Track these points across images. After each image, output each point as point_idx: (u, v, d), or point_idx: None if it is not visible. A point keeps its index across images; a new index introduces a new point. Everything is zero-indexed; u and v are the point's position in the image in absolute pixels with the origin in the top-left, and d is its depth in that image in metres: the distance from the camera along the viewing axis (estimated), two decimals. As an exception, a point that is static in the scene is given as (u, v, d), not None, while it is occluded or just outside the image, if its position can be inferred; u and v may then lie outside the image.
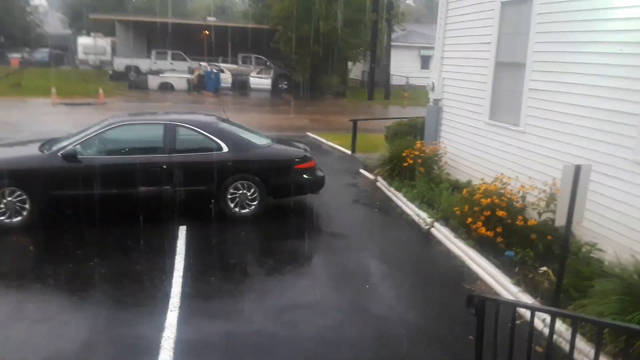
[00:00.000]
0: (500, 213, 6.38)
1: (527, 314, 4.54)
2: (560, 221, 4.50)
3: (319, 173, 8.13)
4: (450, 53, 9.76)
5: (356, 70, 37.00)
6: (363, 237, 7.49)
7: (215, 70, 30.13)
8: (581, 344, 4.17)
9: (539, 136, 7.03)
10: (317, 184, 7.99)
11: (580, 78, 6.27)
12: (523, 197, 6.63)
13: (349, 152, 13.15)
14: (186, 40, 34.41)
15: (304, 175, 7.72)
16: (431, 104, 10.30)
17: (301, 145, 8.46)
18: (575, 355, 4.13)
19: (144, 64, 33.14)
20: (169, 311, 4.88)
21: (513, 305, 2.56)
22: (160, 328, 4.58)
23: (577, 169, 4.36)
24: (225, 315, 4.92)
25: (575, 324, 3.10)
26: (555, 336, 3.83)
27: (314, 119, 20.54)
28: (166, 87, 28.43)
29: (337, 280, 5.87)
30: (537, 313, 4.37)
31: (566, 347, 3.70)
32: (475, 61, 8.75)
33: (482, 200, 6.54)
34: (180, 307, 4.97)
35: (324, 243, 7.13)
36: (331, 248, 6.91)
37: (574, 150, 6.29)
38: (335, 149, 13.92)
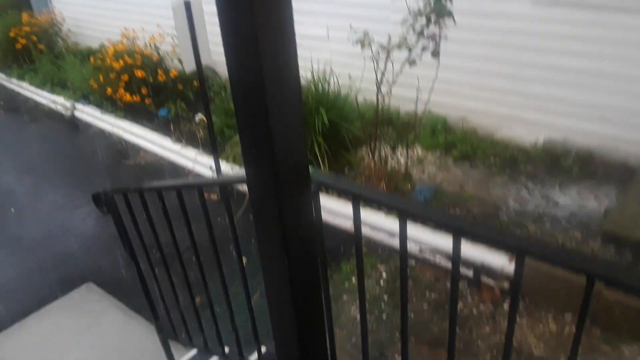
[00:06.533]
0: (139, 73, 5.79)
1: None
2: (189, 66, 4.19)
3: None
4: None
5: None
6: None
7: None
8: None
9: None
10: None
11: None
12: (157, 49, 6.11)
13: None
14: None
15: None
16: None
17: None
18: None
19: None
20: None
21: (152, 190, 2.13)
22: None
23: (187, 4, 3.97)
24: None
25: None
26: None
27: None
28: None
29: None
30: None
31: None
32: None
33: (114, 64, 5.77)
34: None
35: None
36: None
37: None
38: None
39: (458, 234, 1.11)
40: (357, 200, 1.19)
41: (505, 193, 3.75)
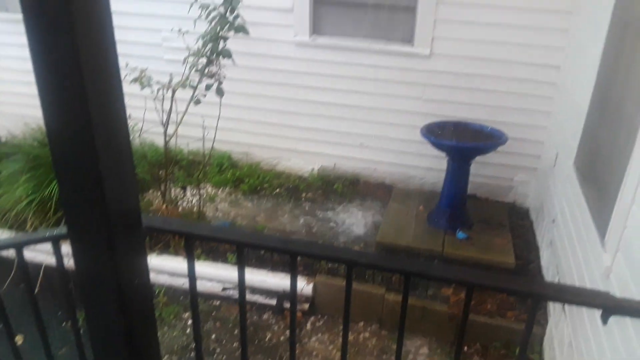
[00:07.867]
0: None
1: None
2: None
3: None
4: None
5: None
6: None
7: None
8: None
9: None
10: None
11: None
12: None
13: None
14: None
15: None
16: None
17: None
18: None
19: None
20: None
21: None
22: None
23: None
24: None
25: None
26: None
27: None
28: None
29: None
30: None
31: None
32: None
33: None
34: None
35: None
36: None
37: None
38: None
39: (295, 255, 1.18)
40: (191, 240, 1.16)
41: (292, 219, 4.04)
